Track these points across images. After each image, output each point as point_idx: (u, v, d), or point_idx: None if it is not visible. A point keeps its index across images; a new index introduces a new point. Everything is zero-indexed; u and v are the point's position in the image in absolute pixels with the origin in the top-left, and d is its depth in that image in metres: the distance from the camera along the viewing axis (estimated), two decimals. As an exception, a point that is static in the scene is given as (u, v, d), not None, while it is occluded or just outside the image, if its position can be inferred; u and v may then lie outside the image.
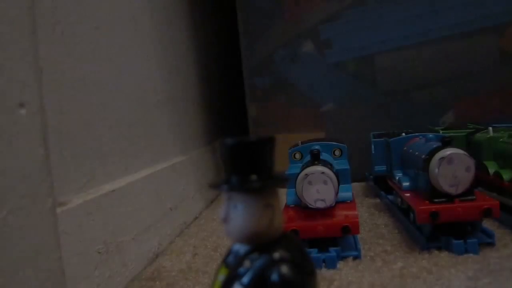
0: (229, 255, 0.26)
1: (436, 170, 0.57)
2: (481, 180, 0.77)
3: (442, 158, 0.56)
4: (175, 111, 0.92)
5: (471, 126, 0.93)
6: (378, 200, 0.90)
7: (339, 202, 0.61)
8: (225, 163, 0.24)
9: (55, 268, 0.40)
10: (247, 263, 0.24)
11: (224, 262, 0.26)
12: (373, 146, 0.89)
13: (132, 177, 0.66)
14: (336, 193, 0.58)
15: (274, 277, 0.23)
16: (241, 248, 0.25)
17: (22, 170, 0.37)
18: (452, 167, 0.56)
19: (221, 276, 0.25)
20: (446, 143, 0.59)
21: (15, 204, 0.36)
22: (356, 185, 1.04)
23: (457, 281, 0.49)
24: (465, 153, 0.57)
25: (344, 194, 0.63)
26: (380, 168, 0.87)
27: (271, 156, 0.25)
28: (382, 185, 0.89)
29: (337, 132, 1.08)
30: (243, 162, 0.24)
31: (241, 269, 0.24)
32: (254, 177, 0.24)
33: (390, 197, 0.82)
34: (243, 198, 0.24)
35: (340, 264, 0.57)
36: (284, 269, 0.23)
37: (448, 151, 0.57)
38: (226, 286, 0.24)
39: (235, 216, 0.24)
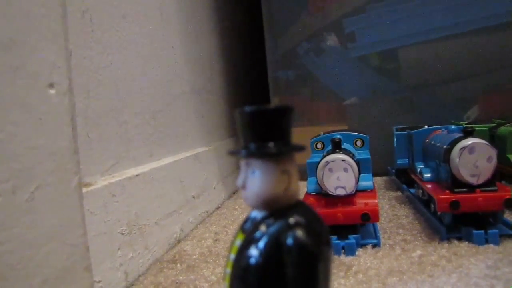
0: (247, 222, 0.26)
1: (457, 160, 0.56)
2: (504, 173, 0.77)
3: (463, 148, 0.56)
4: (199, 102, 0.93)
5: (496, 121, 0.92)
6: (399, 193, 0.89)
7: (359, 191, 0.62)
8: (243, 130, 0.25)
9: (80, 243, 0.42)
10: (262, 228, 0.24)
11: (242, 228, 0.26)
12: (395, 139, 0.89)
13: (156, 163, 0.67)
14: (357, 181, 0.58)
15: (289, 241, 0.23)
16: (258, 214, 0.26)
17: (50, 148, 0.39)
18: (473, 157, 0.56)
19: (238, 241, 0.26)
20: (468, 133, 0.59)
21: (43, 180, 0.38)
22: (378, 179, 1.04)
23: (476, 270, 0.49)
24: (486, 143, 0.56)
25: (365, 183, 0.63)
26: (402, 161, 0.87)
27: (289, 125, 0.25)
28: (403, 179, 0.89)
29: (360, 125, 1.07)
30: (261, 129, 0.24)
31: (257, 234, 0.24)
32: (271, 144, 0.24)
33: (412, 190, 0.82)
34: (261, 164, 0.25)
35: (359, 251, 0.58)
36: (299, 233, 0.23)
37: (469, 141, 0.57)
38: (242, 250, 0.25)
39: (252, 182, 0.25)
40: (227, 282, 0.26)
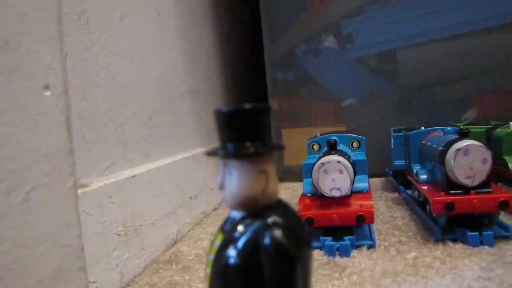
0: (226, 222, 0.26)
1: (452, 162, 0.57)
2: (501, 174, 0.77)
3: (458, 150, 0.57)
4: (197, 103, 0.94)
5: (494, 123, 0.93)
6: (396, 195, 0.90)
7: (355, 192, 0.62)
8: (220, 131, 0.25)
9: (75, 244, 0.42)
10: (241, 228, 0.24)
11: (221, 228, 0.26)
12: (392, 141, 0.89)
13: (153, 165, 0.68)
14: (352, 183, 0.58)
15: (266, 241, 0.23)
16: (237, 215, 0.26)
17: (46, 149, 0.39)
18: (468, 159, 0.56)
19: (217, 242, 0.26)
20: (463, 135, 0.59)
21: (38, 181, 0.38)
22: (376, 180, 1.04)
23: (470, 271, 0.49)
24: (481, 144, 0.57)
25: (361, 185, 0.63)
26: (399, 162, 0.87)
27: (266, 124, 0.25)
28: (400, 180, 0.89)
29: (358, 126, 1.08)
30: (237, 129, 0.24)
31: (235, 234, 0.24)
32: (248, 144, 0.24)
33: (409, 191, 0.82)
34: (238, 164, 0.24)
35: (354, 253, 0.58)
36: (277, 233, 0.23)
37: (464, 143, 0.57)
38: (221, 251, 0.25)
39: (230, 183, 0.25)
40: (207, 282, 0.26)
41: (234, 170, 0.25)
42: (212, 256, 0.26)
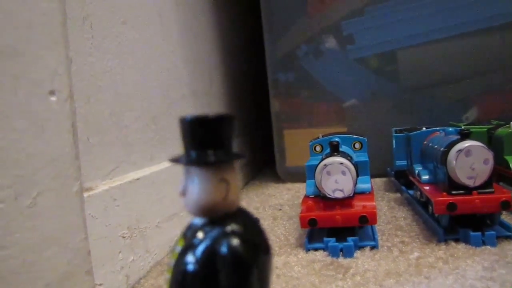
0: (188, 229, 0.27)
1: (454, 162, 0.57)
2: (502, 175, 0.77)
3: (459, 150, 0.57)
4: (199, 106, 0.94)
5: (495, 123, 0.93)
6: (398, 195, 0.90)
7: (357, 193, 0.62)
8: (184, 138, 0.26)
9: (81, 247, 0.42)
10: (200, 235, 0.25)
11: (183, 234, 0.27)
12: (394, 141, 0.89)
13: (157, 167, 0.68)
14: (355, 184, 0.59)
15: (223, 249, 0.24)
16: (198, 221, 0.26)
17: (52, 154, 0.39)
18: (469, 159, 0.57)
19: (178, 248, 0.26)
20: (465, 135, 0.59)
21: (45, 185, 0.38)
22: (378, 180, 1.05)
23: (472, 271, 0.50)
24: (483, 145, 0.57)
25: (363, 186, 0.64)
26: (401, 163, 0.88)
27: (230, 133, 0.26)
28: (402, 180, 0.89)
29: (359, 127, 1.08)
30: (200, 137, 0.25)
31: (195, 241, 0.25)
32: (210, 152, 0.25)
33: (411, 191, 0.82)
34: (199, 172, 0.25)
35: (357, 253, 0.58)
36: (234, 241, 0.24)
37: (466, 144, 0.57)
38: (181, 257, 0.25)
39: (192, 190, 0.25)
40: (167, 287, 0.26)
41: (196, 178, 0.25)
42: (173, 261, 0.26)
